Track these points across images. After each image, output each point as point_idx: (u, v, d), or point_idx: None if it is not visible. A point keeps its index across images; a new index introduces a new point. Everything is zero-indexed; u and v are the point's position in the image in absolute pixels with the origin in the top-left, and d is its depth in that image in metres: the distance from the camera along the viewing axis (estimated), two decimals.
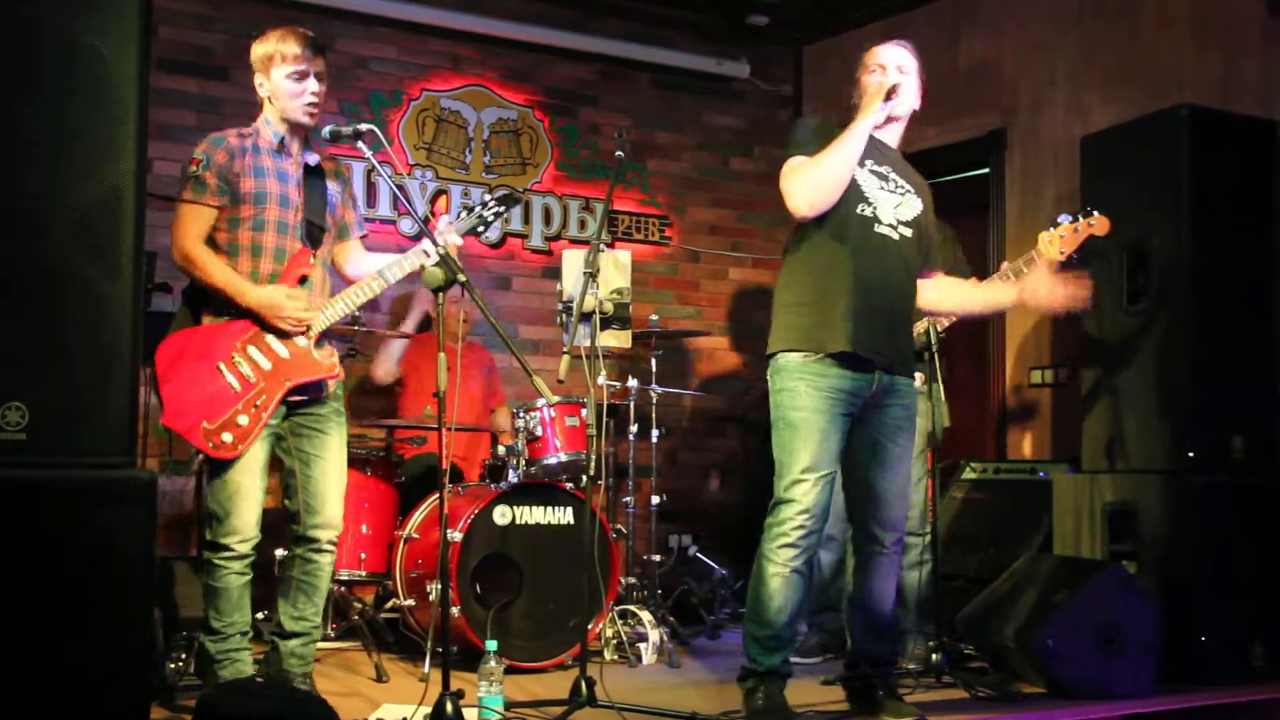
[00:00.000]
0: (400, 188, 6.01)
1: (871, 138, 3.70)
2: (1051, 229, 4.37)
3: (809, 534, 3.60)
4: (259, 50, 3.70)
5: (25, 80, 2.59)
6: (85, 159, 2.63)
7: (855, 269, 3.66)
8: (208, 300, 3.63)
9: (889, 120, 3.77)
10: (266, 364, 3.59)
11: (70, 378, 2.60)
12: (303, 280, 3.68)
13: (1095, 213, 4.33)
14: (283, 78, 3.65)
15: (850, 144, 3.64)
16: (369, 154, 3.58)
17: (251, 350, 3.59)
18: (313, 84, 3.67)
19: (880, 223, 3.72)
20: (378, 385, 5.84)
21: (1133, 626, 4.06)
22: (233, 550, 3.56)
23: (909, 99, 3.81)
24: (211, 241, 3.62)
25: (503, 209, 3.97)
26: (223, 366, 3.55)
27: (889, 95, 3.70)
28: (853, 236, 3.68)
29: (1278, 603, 4.45)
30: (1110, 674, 4.00)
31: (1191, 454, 4.47)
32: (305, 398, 3.70)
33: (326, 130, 3.62)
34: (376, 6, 6.41)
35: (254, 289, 3.57)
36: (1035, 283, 3.96)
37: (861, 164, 3.70)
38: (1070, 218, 4.35)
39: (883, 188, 3.76)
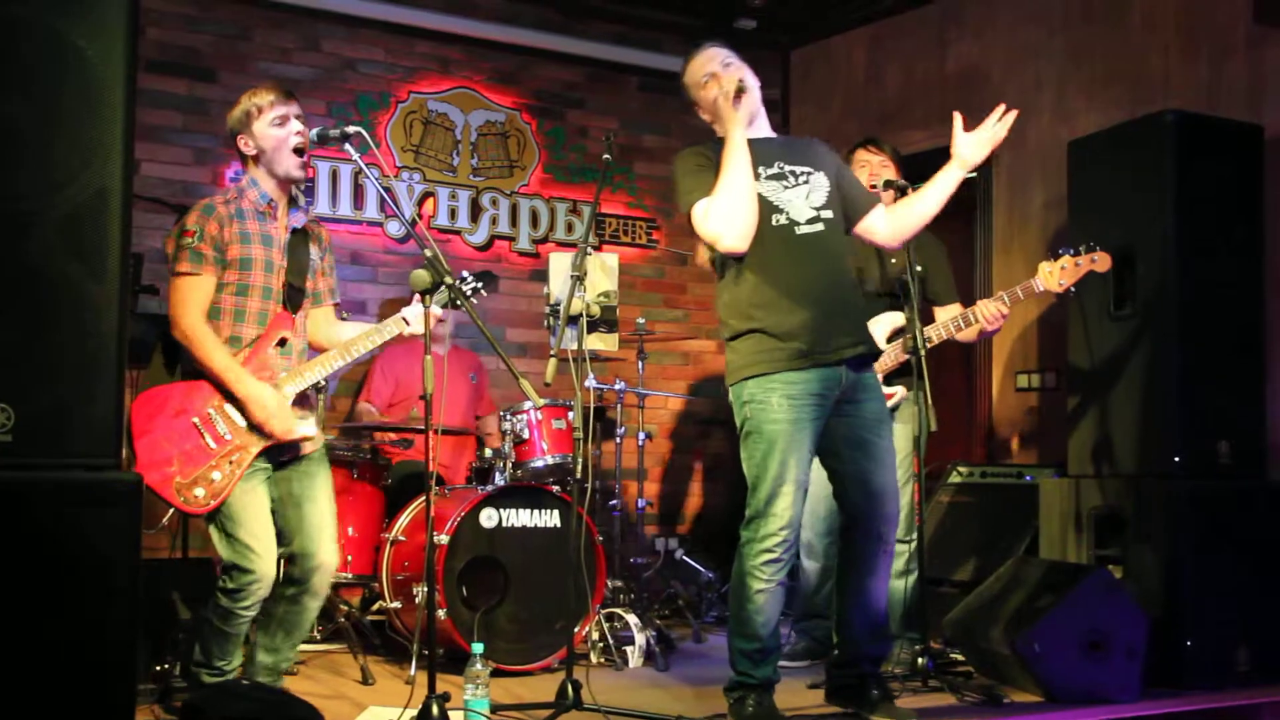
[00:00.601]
0: (388, 190, 6.00)
1: (749, 144, 3.64)
2: (1052, 260, 4.36)
3: (791, 546, 3.59)
4: (235, 114, 3.68)
5: (14, 80, 2.57)
6: (72, 160, 2.62)
7: (794, 280, 3.62)
8: (183, 356, 3.60)
9: (751, 120, 3.72)
10: (242, 422, 3.55)
11: (56, 379, 2.58)
12: (282, 343, 3.66)
13: (1098, 248, 4.33)
14: (266, 126, 3.63)
15: (737, 161, 3.58)
16: (356, 156, 3.58)
17: (228, 408, 3.54)
18: (295, 125, 3.66)
19: (799, 224, 3.66)
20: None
21: (1119, 631, 4.06)
22: (258, 598, 3.49)
23: (755, 90, 3.74)
24: None
25: (480, 285, 3.95)
26: (198, 423, 3.50)
27: (738, 96, 3.65)
28: (779, 250, 3.63)
29: (1262, 608, 4.46)
30: (1097, 678, 4.00)
31: (1178, 459, 4.47)
32: (286, 458, 3.66)
33: (314, 132, 3.63)
34: (363, 9, 6.41)
35: (250, 381, 3.52)
36: (967, 145, 3.80)
37: (755, 176, 3.63)
38: (1072, 251, 4.34)
39: (786, 187, 3.69)
